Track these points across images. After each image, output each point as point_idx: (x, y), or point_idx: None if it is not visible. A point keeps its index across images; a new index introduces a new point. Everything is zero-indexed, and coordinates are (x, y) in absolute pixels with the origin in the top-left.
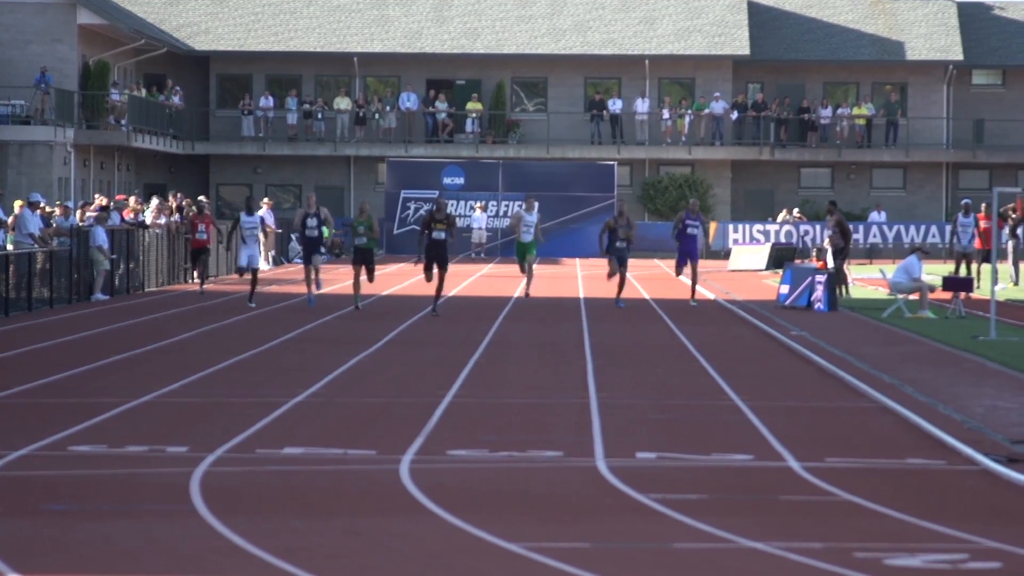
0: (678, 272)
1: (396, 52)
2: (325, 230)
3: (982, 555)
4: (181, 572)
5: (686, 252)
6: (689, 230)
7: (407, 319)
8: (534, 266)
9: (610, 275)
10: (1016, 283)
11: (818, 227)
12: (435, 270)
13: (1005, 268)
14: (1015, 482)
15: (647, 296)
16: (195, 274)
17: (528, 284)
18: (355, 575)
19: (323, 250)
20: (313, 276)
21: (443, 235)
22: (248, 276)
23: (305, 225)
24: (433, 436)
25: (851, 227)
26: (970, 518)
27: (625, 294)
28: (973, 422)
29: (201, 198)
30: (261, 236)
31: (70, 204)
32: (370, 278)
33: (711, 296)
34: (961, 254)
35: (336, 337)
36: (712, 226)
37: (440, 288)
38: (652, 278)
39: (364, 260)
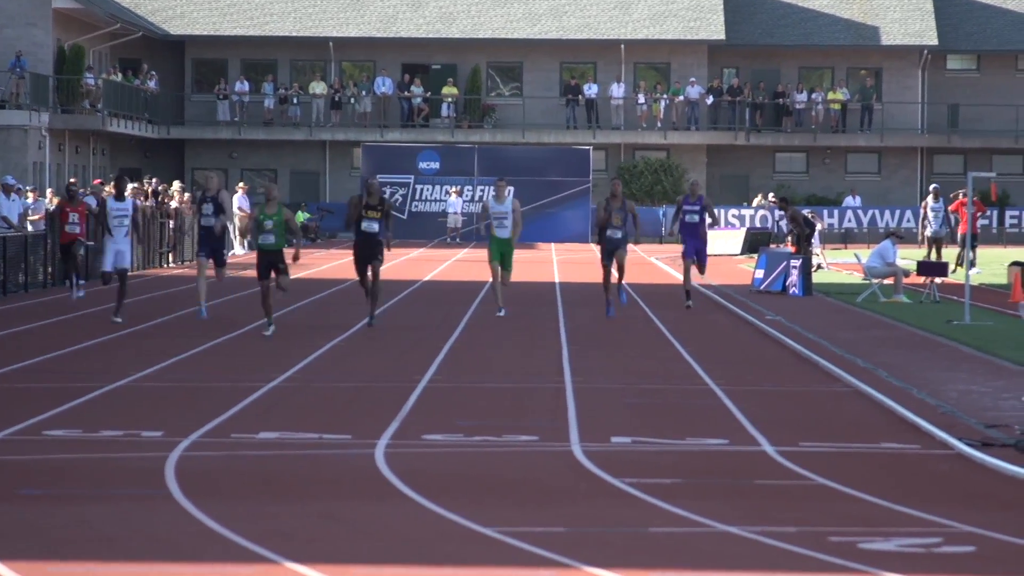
0: (686, 272)
1: (371, 36)
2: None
3: (956, 539)
4: (157, 557)
5: (690, 246)
6: (687, 217)
7: (383, 303)
8: (511, 273)
9: (605, 279)
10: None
11: (825, 212)
12: (368, 272)
13: (955, 252)
14: (989, 466)
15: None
16: (71, 277)
17: (502, 295)
18: (330, 559)
19: (227, 252)
20: (208, 279)
21: (376, 226)
22: (115, 282)
23: (201, 212)
24: (408, 421)
25: (815, 212)
26: (944, 502)
27: (595, 278)
28: (947, 406)
29: (72, 180)
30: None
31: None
32: (280, 283)
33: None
34: (932, 239)
35: (311, 322)
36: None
37: (376, 294)
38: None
39: (271, 264)
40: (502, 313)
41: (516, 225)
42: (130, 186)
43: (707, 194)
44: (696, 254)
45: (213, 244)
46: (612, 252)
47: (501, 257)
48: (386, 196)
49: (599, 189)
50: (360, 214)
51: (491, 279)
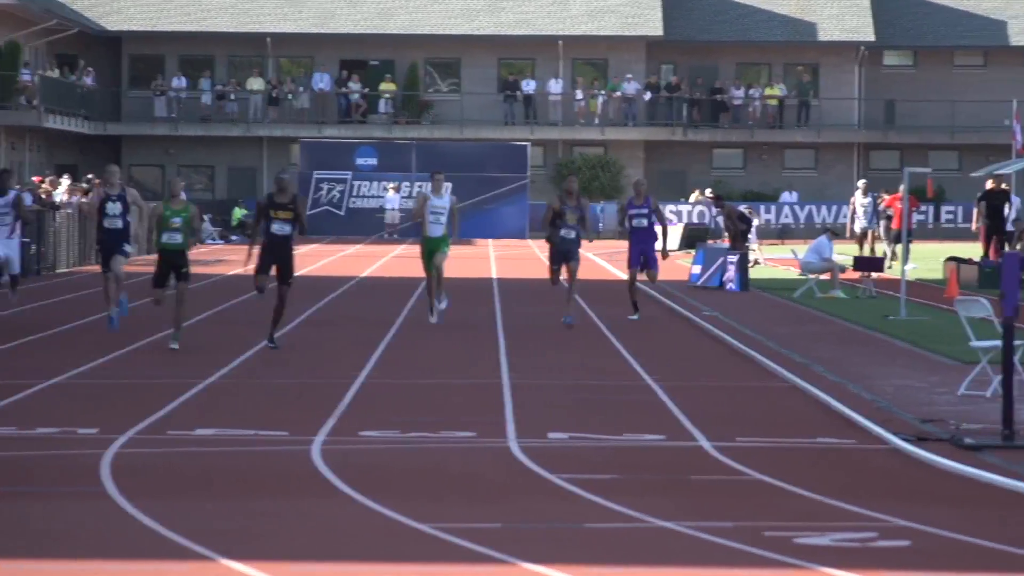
0: (631, 283)
1: (309, 32)
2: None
3: (891, 534)
4: (92, 555)
5: (637, 251)
6: (635, 221)
7: (320, 300)
8: (443, 269)
9: (553, 282)
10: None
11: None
12: (277, 282)
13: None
14: (924, 461)
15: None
16: None
17: (437, 297)
18: (267, 556)
19: (128, 248)
20: (114, 286)
21: (288, 228)
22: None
23: (104, 212)
24: (345, 417)
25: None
26: (879, 497)
27: (532, 274)
28: (883, 401)
29: None
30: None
31: None
32: (181, 294)
33: (624, 276)
34: (861, 234)
35: (249, 318)
36: None
37: (281, 308)
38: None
39: (174, 267)
40: (434, 318)
41: (453, 221)
42: (66, 183)
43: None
44: (644, 261)
45: (116, 247)
46: (565, 254)
47: (435, 248)
48: (298, 193)
49: (537, 185)
50: (269, 214)
51: (425, 280)
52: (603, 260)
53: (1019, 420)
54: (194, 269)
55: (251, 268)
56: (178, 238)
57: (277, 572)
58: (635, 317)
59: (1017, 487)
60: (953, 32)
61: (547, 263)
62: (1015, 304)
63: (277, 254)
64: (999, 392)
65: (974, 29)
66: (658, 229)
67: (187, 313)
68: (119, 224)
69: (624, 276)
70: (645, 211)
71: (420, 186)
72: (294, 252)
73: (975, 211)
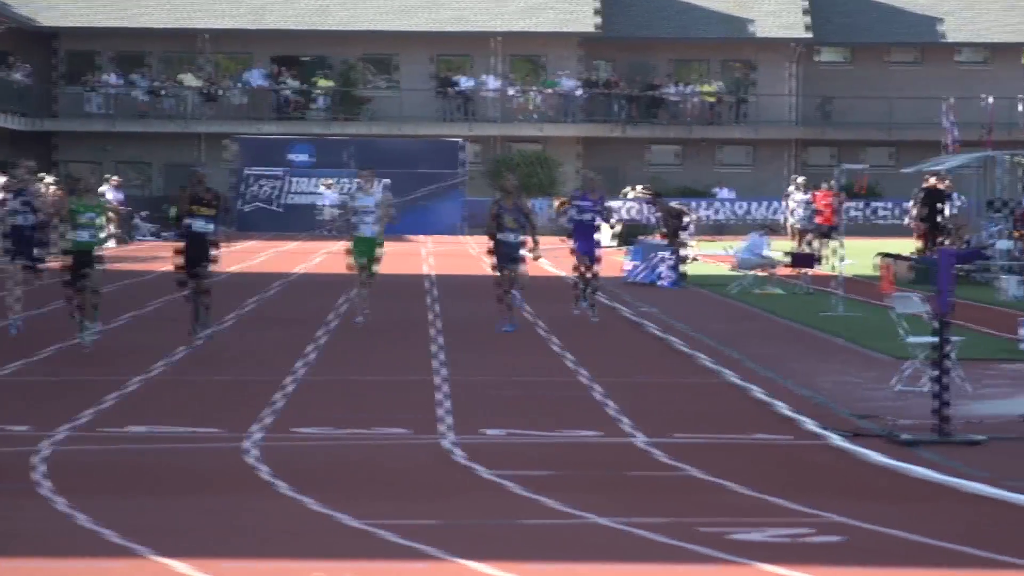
0: (578, 274)
1: (244, 28)
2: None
3: (826, 529)
4: (26, 552)
5: (582, 249)
6: (583, 216)
7: (255, 297)
8: (374, 278)
9: (498, 295)
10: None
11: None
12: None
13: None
14: (859, 457)
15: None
16: None
17: (363, 301)
18: (202, 553)
19: (37, 252)
20: (20, 288)
21: (205, 224)
22: None
23: (5, 208)
24: (281, 414)
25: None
26: (815, 493)
27: (467, 270)
28: (818, 397)
29: None
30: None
31: None
32: (94, 300)
33: (559, 273)
34: (798, 230)
35: (182, 315)
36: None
37: (206, 302)
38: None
39: (84, 266)
40: (360, 323)
41: (383, 220)
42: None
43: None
44: (586, 256)
45: (24, 246)
46: (507, 258)
47: (367, 251)
48: (217, 189)
49: (474, 182)
50: (187, 211)
51: (355, 283)
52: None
53: (953, 415)
54: (128, 266)
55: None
56: (87, 236)
57: (212, 569)
58: (586, 306)
59: (951, 482)
60: (888, 29)
61: (492, 270)
62: (949, 300)
63: (196, 252)
64: (933, 388)
65: (909, 26)
66: (602, 226)
67: (99, 306)
68: (27, 222)
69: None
70: (596, 207)
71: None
72: (214, 249)
73: (911, 207)
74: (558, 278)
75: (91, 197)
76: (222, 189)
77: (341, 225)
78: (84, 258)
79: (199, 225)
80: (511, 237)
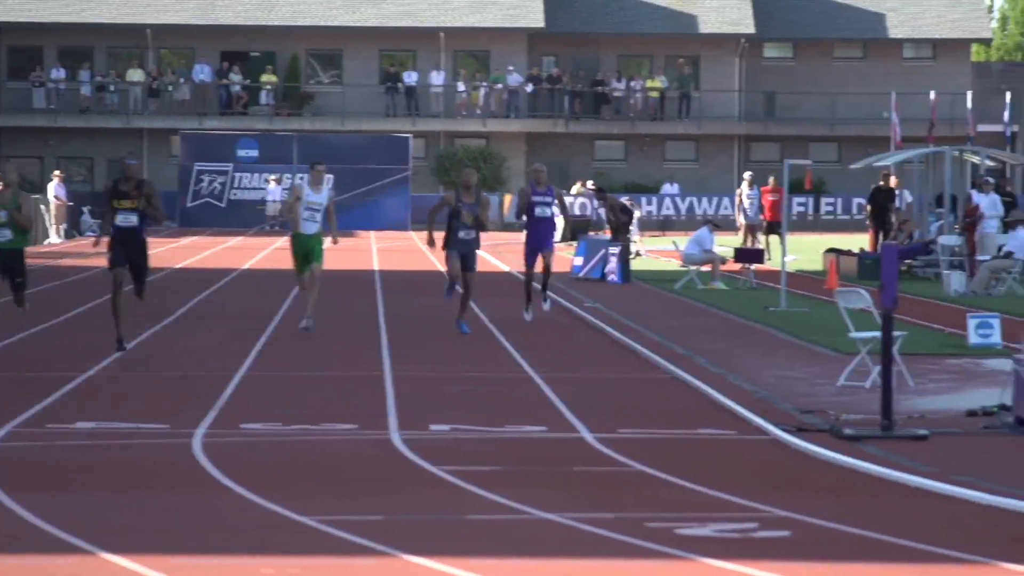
0: (528, 268)
1: (189, 24)
2: None
3: (771, 524)
4: None
5: (536, 244)
6: (539, 210)
7: (201, 292)
8: (317, 281)
9: (449, 289)
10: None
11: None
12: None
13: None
14: (804, 451)
15: (442, 269)
16: None
17: (310, 307)
18: (148, 550)
19: None
20: None
21: (134, 218)
22: None
23: None
24: (226, 410)
25: (633, 199)
26: (760, 488)
27: (414, 266)
28: (763, 392)
29: None
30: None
31: None
32: (18, 299)
33: (506, 268)
34: (748, 226)
35: (130, 311)
36: (507, 198)
37: (120, 312)
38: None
39: (9, 269)
40: (305, 324)
41: (331, 219)
42: None
43: (527, 182)
44: (541, 251)
45: None
46: (462, 259)
47: (308, 249)
48: (149, 181)
49: (419, 177)
50: (113, 204)
51: (297, 283)
52: (487, 254)
53: (898, 411)
54: (74, 262)
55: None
56: (8, 235)
57: (158, 566)
58: (546, 307)
59: (895, 477)
60: (832, 24)
61: (448, 274)
62: (894, 295)
63: (127, 248)
64: (878, 383)
65: (853, 22)
66: (559, 221)
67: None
68: None
69: (509, 269)
70: (550, 199)
71: (302, 178)
72: (146, 245)
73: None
74: (506, 274)
75: (6, 194)
76: (169, 185)
77: (284, 220)
78: (7, 259)
79: (124, 219)
80: (470, 234)
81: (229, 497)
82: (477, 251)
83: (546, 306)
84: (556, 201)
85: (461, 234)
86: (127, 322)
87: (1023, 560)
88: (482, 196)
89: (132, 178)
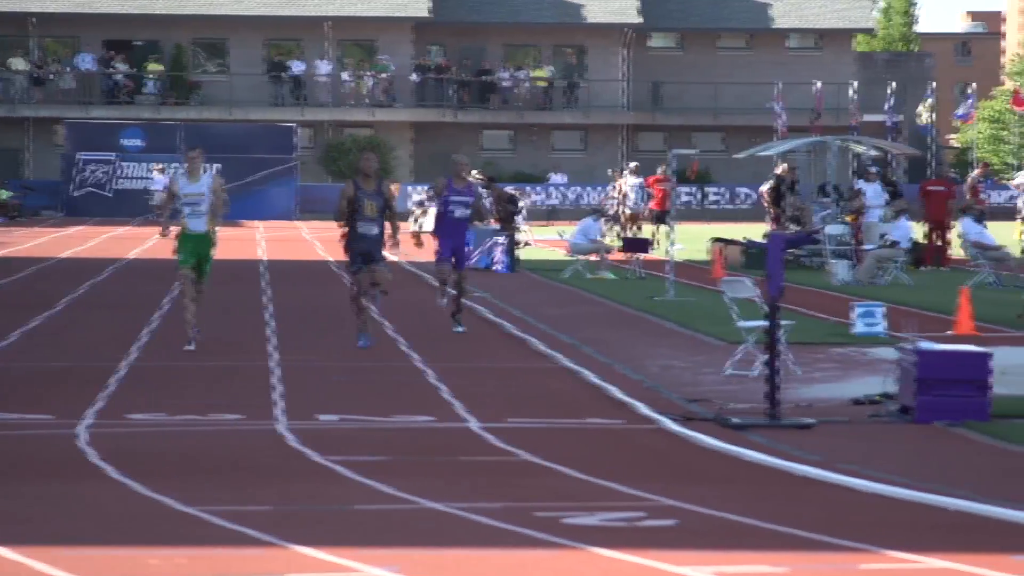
0: (442, 282)
1: (73, 12)
2: None
3: (659, 513)
4: None
5: (448, 247)
6: (454, 210)
7: (86, 282)
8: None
9: (358, 294)
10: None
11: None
12: None
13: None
14: (691, 440)
15: (328, 259)
16: None
17: (193, 318)
18: (33, 541)
19: None
20: None
21: None
22: None
23: None
24: (112, 400)
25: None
26: (647, 477)
27: (301, 256)
28: (650, 381)
29: None
30: None
31: None
32: None
33: (393, 258)
34: (631, 215)
35: (12, 300)
36: (395, 188)
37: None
38: (334, 240)
39: None
40: (192, 347)
41: (217, 209)
42: None
43: (415, 172)
44: (455, 254)
45: None
46: (364, 256)
47: (197, 250)
48: None
49: (306, 166)
50: None
51: (183, 290)
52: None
53: (784, 399)
54: None
55: None
56: None
57: (42, 556)
58: (459, 329)
59: (781, 465)
60: (717, 15)
61: (347, 268)
62: (780, 284)
63: None
64: (764, 372)
65: (738, 12)
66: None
67: None
68: None
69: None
70: (467, 198)
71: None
72: None
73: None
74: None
75: None
76: (54, 175)
77: (163, 215)
78: None
79: None
80: (373, 229)
81: (115, 488)
82: (383, 247)
83: (459, 329)
84: (472, 203)
85: (361, 228)
86: None
87: (906, 547)
88: (384, 184)
89: None
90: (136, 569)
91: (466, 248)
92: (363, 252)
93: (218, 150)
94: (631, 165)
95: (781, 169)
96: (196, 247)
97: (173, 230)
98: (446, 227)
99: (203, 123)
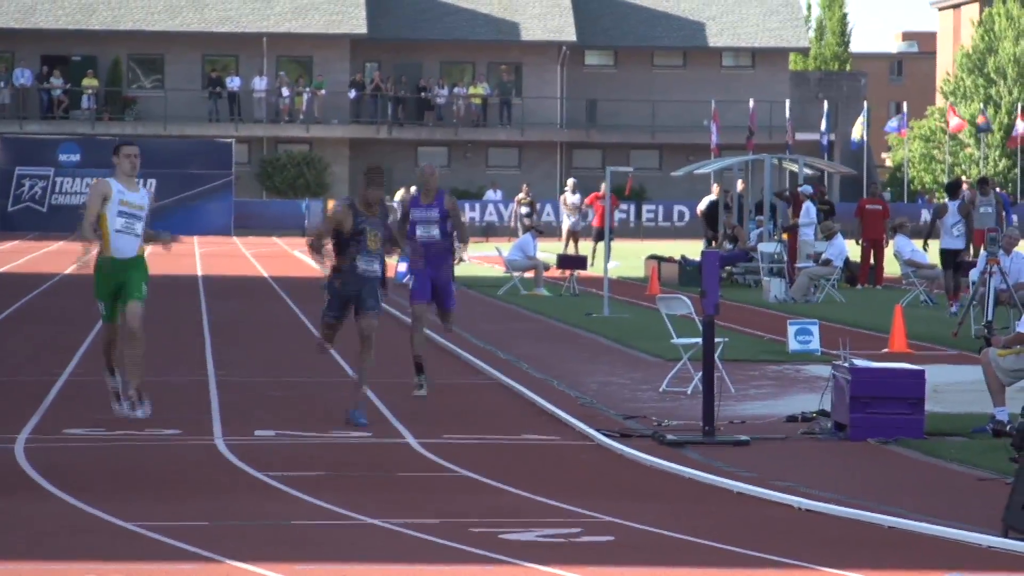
0: (415, 325)
1: (9, 28)
2: None
3: (595, 529)
4: None
5: (424, 280)
6: (422, 230)
7: (22, 297)
8: (140, 329)
9: (323, 345)
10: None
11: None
12: None
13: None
14: (627, 457)
15: (265, 274)
16: None
17: (124, 378)
18: None
19: None
20: None
21: None
22: None
23: None
24: (49, 415)
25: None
26: (584, 493)
27: (237, 271)
28: (587, 398)
29: None
30: None
31: None
32: None
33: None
34: (570, 232)
35: None
36: (330, 203)
37: None
38: (271, 256)
39: None
40: (137, 412)
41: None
42: None
43: (350, 188)
44: (436, 293)
45: None
46: (357, 301)
47: (121, 283)
48: None
49: (242, 182)
50: None
51: (104, 333)
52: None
53: (719, 416)
54: None
55: None
56: None
57: None
58: (422, 392)
59: (717, 481)
60: (653, 33)
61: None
62: (715, 301)
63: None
64: (700, 389)
65: (673, 30)
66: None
67: None
68: None
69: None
70: (436, 214)
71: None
72: None
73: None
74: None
75: None
76: None
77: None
78: None
79: None
80: (376, 266)
81: (51, 502)
82: (381, 289)
83: (421, 392)
84: (449, 217)
85: (362, 265)
86: None
87: (839, 564)
88: (387, 207)
89: None
90: None
91: (451, 282)
92: (353, 295)
93: (154, 165)
94: (570, 182)
95: (715, 192)
96: (117, 274)
97: (94, 253)
98: (422, 252)
99: (139, 138)
